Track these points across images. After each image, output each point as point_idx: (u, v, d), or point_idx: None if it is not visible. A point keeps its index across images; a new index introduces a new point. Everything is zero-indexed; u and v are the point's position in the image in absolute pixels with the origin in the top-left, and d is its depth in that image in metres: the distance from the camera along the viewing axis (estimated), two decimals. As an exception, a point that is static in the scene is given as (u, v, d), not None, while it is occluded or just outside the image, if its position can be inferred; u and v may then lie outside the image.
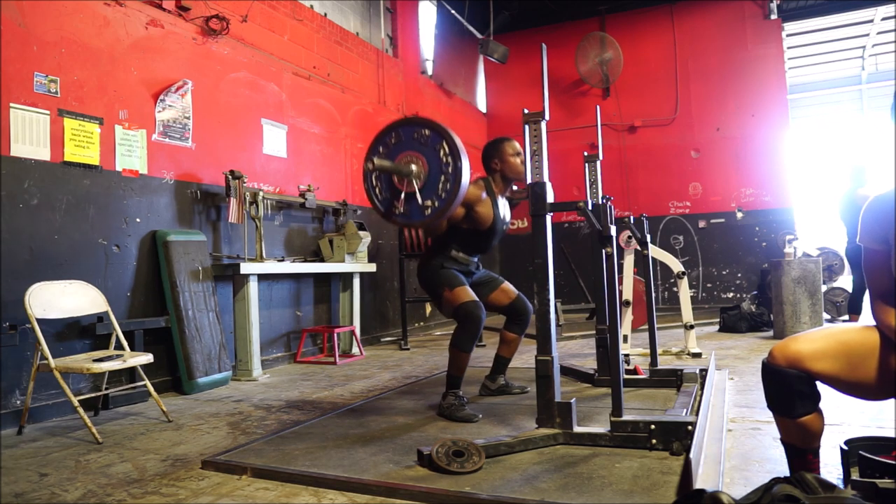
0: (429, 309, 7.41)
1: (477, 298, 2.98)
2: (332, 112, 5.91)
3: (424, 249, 3.15)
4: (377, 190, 2.68)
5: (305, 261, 5.16)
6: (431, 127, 2.53)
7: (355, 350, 5.41)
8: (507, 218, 3.25)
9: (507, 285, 3.32)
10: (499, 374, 3.37)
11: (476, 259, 3.20)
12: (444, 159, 2.49)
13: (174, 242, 3.96)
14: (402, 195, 2.55)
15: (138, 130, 3.89)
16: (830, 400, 1.81)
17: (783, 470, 1.87)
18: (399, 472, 2.09)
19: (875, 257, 1.57)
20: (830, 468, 1.97)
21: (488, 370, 3.47)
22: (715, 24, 8.82)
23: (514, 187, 3.35)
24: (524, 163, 2.96)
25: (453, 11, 8.56)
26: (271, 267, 4.52)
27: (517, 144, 3.16)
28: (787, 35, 9.23)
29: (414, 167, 2.53)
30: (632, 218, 3.75)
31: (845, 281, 7.21)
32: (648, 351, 3.73)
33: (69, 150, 3.45)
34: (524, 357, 4.75)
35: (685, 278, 4.76)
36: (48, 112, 3.36)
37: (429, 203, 2.52)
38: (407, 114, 7.35)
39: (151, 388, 3.18)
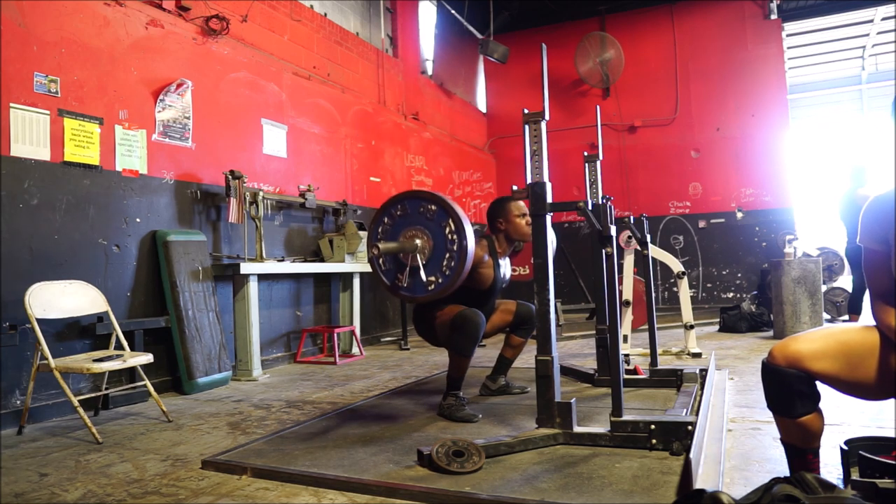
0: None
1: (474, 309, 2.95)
2: (332, 112, 5.91)
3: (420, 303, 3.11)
4: (381, 261, 2.67)
5: (305, 261, 5.16)
6: (438, 203, 2.53)
7: (355, 350, 5.41)
8: (508, 276, 3.27)
9: (504, 303, 3.32)
10: (500, 374, 3.37)
11: None
12: (450, 236, 2.49)
13: (174, 242, 3.96)
14: (407, 269, 2.55)
15: (138, 130, 3.89)
16: (830, 400, 1.81)
17: (783, 470, 1.87)
18: (399, 472, 2.09)
19: (875, 257, 1.57)
20: (830, 468, 1.97)
21: (489, 370, 3.47)
22: (715, 24, 8.82)
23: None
24: (530, 224, 2.95)
25: (453, 11, 8.56)
26: (271, 267, 4.52)
27: (523, 205, 3.13)
28: (787, 35, 9.23)
29: (418, 242, 2.53)
30: (632, 218, 3.75)
31: (845, 281, 7.20)
32: (648, 351, 3.73)
33: (69, 150, 3.45)
34: (524, 357, 4.75)
35: (685, 278, 4.76)
36: (48, 112, 3.36)
37: (432, 279, 2.51)
38: (407, 114, 7.36)
39: (151, 388, 3.18)
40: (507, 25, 9.58)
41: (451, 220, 2.49)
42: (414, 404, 3.19)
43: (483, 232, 3.26)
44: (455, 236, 2.49)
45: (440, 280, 2.50)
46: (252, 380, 4.24)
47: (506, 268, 3.23)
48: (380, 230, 2.66)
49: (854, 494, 1.29)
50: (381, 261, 2.66)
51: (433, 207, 2.53)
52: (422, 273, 2.51)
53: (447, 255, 2.50)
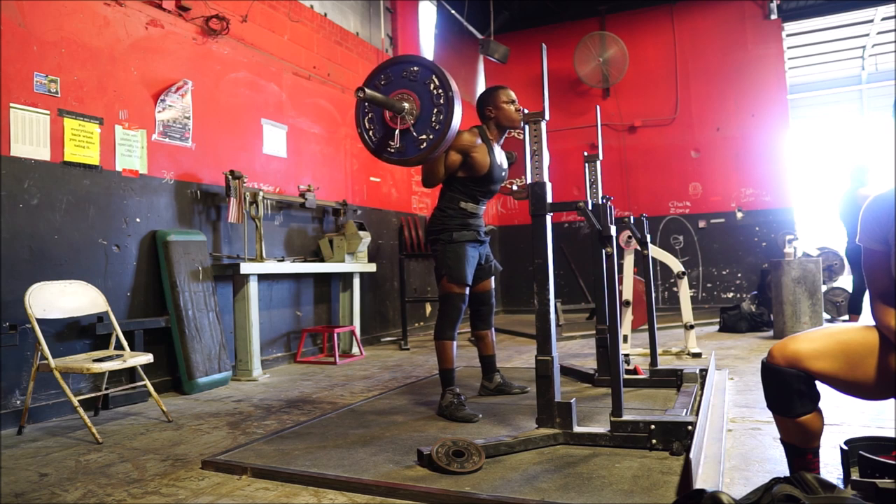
0: (429, 309, 7.41)
1: (465, 292, 3.00)
2: (332, 112, 5.91)
3: (433, 211, 3.14)
4: (370, 132, 2.69)
5: (305, 261, 5.16)
6: (420, 63, 2.55)
7: (355, 350, 5.41)
8: (504, 164, 3.24)
9: (491, 282, 3.34)
10: (492, 372, 3.38)
11: (483, 207, 3.17)
12: (436, 92, 2.51)
13: (174, 242, 3.96)
14: (397, 133, 2.56)
15: (138, 130, 3.89)
16: (830, 400, 1.81)
17: (783, 470, 1.87)
18: (399, 472, 2.09)
19: (875, 257, 1.58)
20: (830, 468, 1.97)
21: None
22: (715, 24, 8.82)
23: (513, 154, 3.35)
24: (519, 110, 2.97)
25: (453, 11, 8.56)
26: (271, 267, 4.52)
27: (511, 93, 3.15)
28: (787, 35, 9.23)
29: (406, 104, 2.55)
30: (632, 218, 3.75)
31: (845, 281, 7.20)
32: (648, 351, 3.73)
33: (69, 150, 3.45)
34: (524, 357, 4.75)
35: (685, 278, 4.76)
36: (48, 112, 3.36)
37: (423, 136, 2.53)
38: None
39: (151, 388, 3.18)
40: (507, 25, 9.58)
41: (434, 76, 2.52)
42: (414, 404, 3.19)
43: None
44: (441, 90, 2.50)
45: (432, 136, 2.52)
46: (252, 380, 4.24)
47: (501, 156, 3.20)
48: (367, 105, 2.68)
49: (854, 494, 1.29)
50: (370, 132, 2.70)
51: (415, 68, 2.56)
52: (412, 132, 2.52)
53: (435, 111, 2.52)
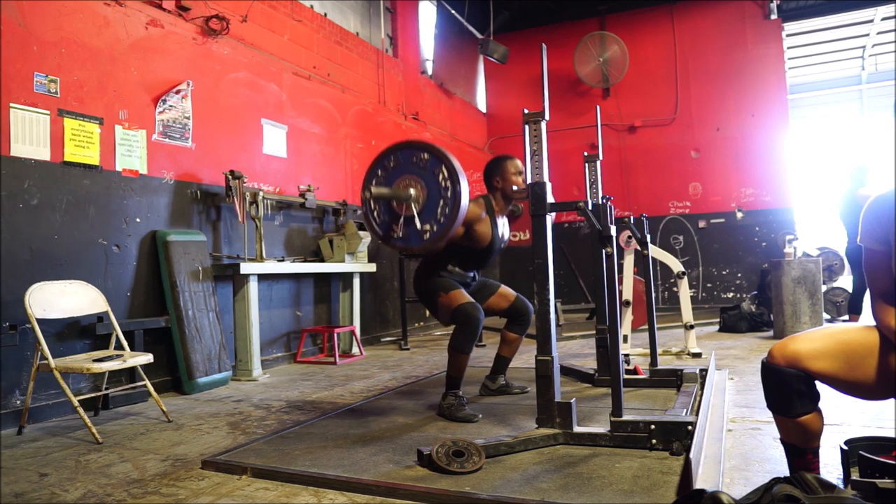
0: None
1: (473, 300, 2.97)
2: (332, 112, 5.91)
3: (421, 262, 3.13)
4: (375, 213, 2.67)
5: (305, 261, 5.16)
6: (430, 150, 2.52)
7: (355, 350, 5.41)
8: (506, 236, 3.25)
9: (505, 289, 3.32)
10: (499, 373, 3.37)
11: (472, 273, 3.20)
12: (443, 183, 2.49)
13: (174, 242, 3.96)
14: (401, 219, 2.55)
15: (138, 130, 3.89)
16: (830, 400, 1.81)
17: (783, 470, 1.87)
18: (399, 472, 2.09)
19: (875, 257, 1.57)
20: (830, 468, 1.97)
21: (488, 370, 3.47)
22: (715, 24, 8.82)
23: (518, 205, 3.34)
24: (526, 181, 2.96)
25: (453, 11, 8.56)
26: (271, 267, 4.52)
27: (519, 163, 3.12)
28: (787, 35, 9.23)
29: (412, 191, 2.53)
30: (632, 218, 3.75)
31: (845, 281, 7.20)
32: (648, 351, 3.73)
33: (69, 150, 3.45)
34: (524, 357, 4.75)
35: (685, 278, 4.75)
36: (48, 112, 3.36)
37: (427, 227, 2.51)
38: (407, 114, 7.35)
39: (151, 388, 3.18)
40: (507, 25, 9.58)
41: (443, 167, 2.49)
42: (414, 404, 3.19)
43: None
44: (448, 182, 2.49)
45: (435, 228, 2.50)
46: (252, 380, 4.24)
47: (504, 228, 3.20)
48: (373, 182, 2.66)
49: (854, 494, 1.29)
50: (374, 213, 2.67)
51: (425, 156, 2.53)
52: (416, 221, 2.51)
53: (441, 203, 2.50)
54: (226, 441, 2.68)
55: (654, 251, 4.64)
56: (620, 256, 4.70)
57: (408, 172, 2.57)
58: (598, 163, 3.54)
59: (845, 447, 1.74)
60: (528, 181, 2.44)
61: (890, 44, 10.14)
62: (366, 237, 5.36)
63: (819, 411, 1.60)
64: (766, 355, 1.65)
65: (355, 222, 5.36)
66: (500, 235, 3.14)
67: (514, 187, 3.11)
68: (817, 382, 1.59)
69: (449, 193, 2.47)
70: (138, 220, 3.87)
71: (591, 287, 7.30)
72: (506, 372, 3.41)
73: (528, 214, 2.44)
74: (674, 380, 3.34)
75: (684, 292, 4.79)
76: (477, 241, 3.02)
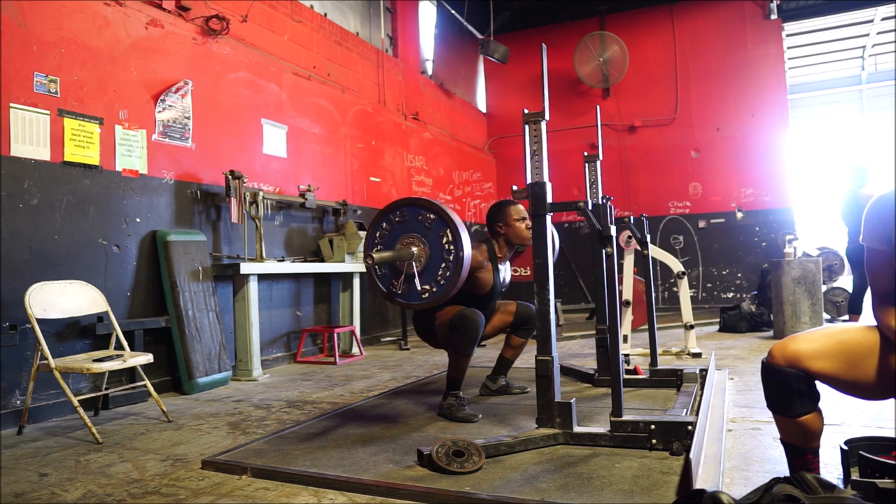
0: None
1: (471, 308, 2.94)
2: (332, 112, 5.91)
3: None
4: (377, 266, 2.67)
5: (305, 261, 5.16)
6: (436, 212, 2.53)
7: (355, 350, 5.41)
8: (507, 280, 3.26)
9: (503, 304, 3.31)
10: (500, 374, 3.37)
11: None
12: (447, 246, 2.49)
13: (174, 242, 3.96)
14: (402, 276, 2.55)
15: (138, 130, 3.89)
16: (830, 400, 1.81)
17: (783, 470, 1.87)
18: (399, 472, 2.09)
19: (877, 257, 1.57)
20: (830, 468, 1.97)
21: (489, 370, 3.47)
22: (715, 24, 8.82)
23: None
24: (530, 228, 2.95)
25: (453, 11, 8.56)
26: (271, 267, 4.52)
27: (522, 209, 3.12)
28: (787, 35, 9.23)
29: (415, 250, 2.54)
30: (632, 218, 3.75)
31: (845, 281, 7.20)
32: (648, 351, 3.73)
33: (69, 150, 3.45)
34: (524, 357, 4.75)
35: (685, 278, 4.76)
36: (48, 112, 3.36)
37: (427, 287, 2.51)
38: (407, 114, 7.36)
39: (151, 388, 3.18)
40: (507, 25, 9.58)
41: (448, 231, 2.50)
42: (414, 404, 3.19)
43: (484, 235, 3.24)
44: (452, 247, 2.49)
45: (435, 289, 2.51)
46: (252, 380, 4.24)
47: (506, 272, 3.22)
48: (377, 234, 2.67)
49: (854, 494, 1.29)
50: (377, 266, 2.67)
51: (431, 216, 2.54)
52: (416, 282, 2.52)
53: (443, 265, 2.50)
54: (226, 441, 2.68)
55: (654, 251, 4.64)
56: (620, 256, 4.71)
57: (412, 230, 2.58)
58: (598, 163, 3.54)
59: (845, 447, 1.74)
60: (529, 181, 2.44)
61: (890, 44, 10.14)
62: (366, 237, 5.35)
63: (819, 411, 1.60)
64: (766, 355, 1.65)
65: (355, 222, 5.36)
66: (502, 280, 3.16)
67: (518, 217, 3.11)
68: (817, 382, 1.59)
69: (451, 258, 2.48)
70: (138, 220, 3.87)
71: (591, 287, 7.30)
72: (507, 373, 3.41)
73: (531, 250, 2.44)
74: (674, 380, 3.34)
75: (684, 292, 4.79)
76: (478, 287, 3.03)
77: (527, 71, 9.42)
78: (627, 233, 4.46)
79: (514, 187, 3.37)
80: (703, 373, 3.29)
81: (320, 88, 5.75)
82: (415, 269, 2.52)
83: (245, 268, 4.21)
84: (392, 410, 3.06)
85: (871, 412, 2.72)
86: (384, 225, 2.66)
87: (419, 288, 2.52)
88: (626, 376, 3.36)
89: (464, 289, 2.98)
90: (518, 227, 3.11)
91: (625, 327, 4.80)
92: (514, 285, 3.71)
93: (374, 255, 2.49)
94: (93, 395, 3.22)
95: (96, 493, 2.08)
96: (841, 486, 1.40)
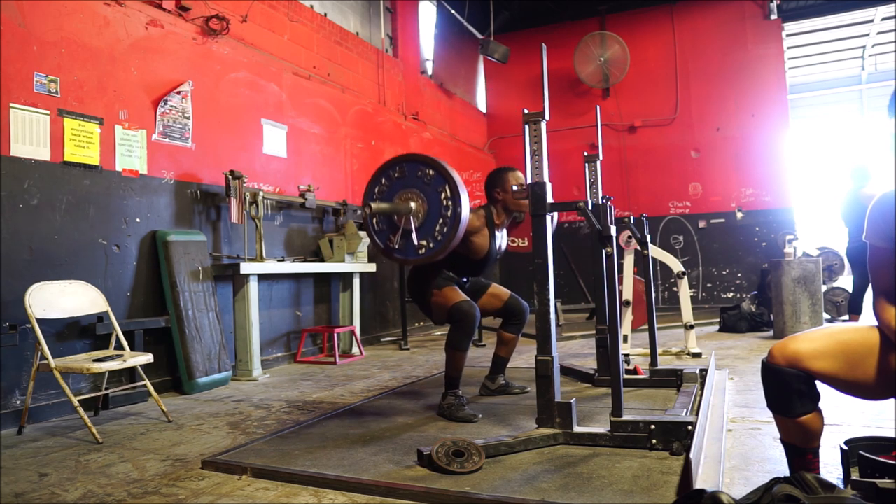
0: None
1: (468, 298, 2.97)
2: (332, 112, 5.91)
3: (414, 266, 3.12)
4: (375, 221, 2.68)
5: (305, 261, 5.16)
6: (436, 167, 2.53)
7: (355, 350, 5.41)
8: (503, 247, 3.25)
9: (497, 288, 3.31)
10: (498, 373, 3.37)
11: (465, 280, 3.19)
12: (445, 202, 2.49)
13: (174, 242, 3.96)
14: (399, 231, 2.55)
15: (138, 130, 3.89)
16: (830, 400, 1.81)
17: (783, 470, 1.87)
18: (399, 472, 2.09)
19: (880, 255, 1.57)
20: (830, 468, 1.97)
21: (488, 370, 3.47)
22: (715, 24, 8.82)
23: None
24: (528, 196, 2.96)
25: (453, 11, 8.56)
26: (271, 267, 4.52)
27: (520, 175, 3.11)
28: (787, 35, 9.23)
29: (413, 205, 2.54)
30: (632, 218, 3.75)
31: (845, 281, 7.20)
32: (648, 351, 3.73)
33: (69, 150, 3.45)
34: (524, 357, 4.75)
35: (685, 278, 4.75)
36: (48, 112, 3.36)
37: (424, 243, 2.51)
38: (407, 114, 7.36)
39: (151, 388, 3.18)
40: (507, 25, 9.58)
41: (447, 186, 2.50)
42: (414, 404, 3.19)
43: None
44: (450, 202, 2.49)
45: (431, 245, 2.51)
46: (252, 380, 4.24)
47: (502, 239, 3.20)
48: (376, 190, 2.67)
49: (854, 494, 1.29)
50: (374, 221, 2.67)
51: (431, 172, 2.54)
52: (413, 237, 2.51)
53: (440, 221, 2.50)
54: (226, 441, 2.68)
55: (654, 251, 4.64)
56: (620, 256, 4.70)
57: (411, 185, 2.57)
58: (598, 163, 3.54)
59: (845, 447, 1.74)
60: (529, 181, 2.44)
61: (890, 44, 10.14)
62: (365, 237, 5.36)
63: (819, 411, 1.60)
64: (766, 355, 1.65)
65: (355, 222, 5.36)
66: (498, 247, 3.15)
67: (516, 186, 3.09)
68: (817, 382, 1.59)
69: (449, 213, 2.47)
70: (138, 220, 3.87)
71: (591, 287, 7.30)
72: (505, 371, 3.41)
73: (529, 218, 2.44)
74: (674, 380, 3.34)
75: (684, 292, 4.79)
76: (474, 252, 3.03)
77: (527, 71, 9.41)
78: (627, 233, 4.46)
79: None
80: (703, 373, 3.29)
81: (320, 88, 5.75)
82: (412, 225, 2.52)
83: (245, 268, 4.21)
84: (392, 410, 3.06)
85: (871, 412, 2.72)
86: (383, 181, 2.65)
87: (416, 243, 2.52)
88: (626, 376, 3.36)
89: (459, 253, 3.00)
90: (516, 195, 3.10)
91: (625, 327, 4.80)
92: (511, 256, 3.71)
93: (373, 206, 2.49)
94: (93, 395, 3.22)
95: (96, 493, 2.08)
96: (841, 486, 1.40)
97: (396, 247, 2.58)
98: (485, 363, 4.17)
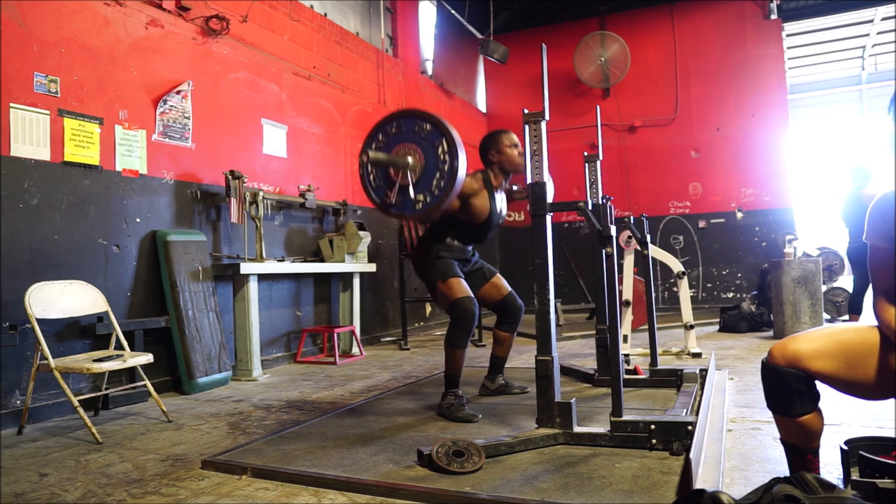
0: (429, 309, 7.41)
1: (471, 293, 2.98)
2: (332, 112, 5.91)
3: (420, 236, 3.12)
4: (371, 177, 2.69)
5: (305, 261, 5.16)
6: (433, 122, 2.54)
7: (355, 350, 5.41)
8: (504, 211, 3.23)
9: (500, 279, 3.31)
10: (497, 373, 3.37)
11: (471, 248, 3.19)
12: (442, 156, 2.50)
13: (174, 242, 3.96)
14: (396, 186, 2.56)
15: (138, 130, 3.89)
16: (830, 400, 1.81)
17: (783, 470, 1.87)
18: (399, 472, 2.09)
19: (880, 255, 1.57)
20: (830, 468, 1.97)
21: (487, 370, 3.47)
22: (715, 24, 8.82)
23: (515, 187, 3.34)
24: (522, 154, 2.97)
25: (453, 11, 8.56)
26: (271, 267, 4.52)
27: (514, 136, 3.13)
28: (787, 35, 9.23)
29: (410, 159, 2.55)
30: (632, 218, 3.75)
31: (845, 281, 7.20)
32: (648, 351, 3.72)
33: (69, 150, 3.45)
34: (524, 357, 4.75)
35: (685, 278, 4.75)
36: (48, 112, 3.36)
37: (420, 198, 2.52)
38: (407, 114, 7.34)
39: (151, 388, 3.18)
40: (507, 25, 9.58)
41: (444, 140, 2.51)
42: (414, 404, 3.19)
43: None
44: (447, 156, 2.50)
45: (428, 199, 2.52)
46: (252, 380, 4.24)
47: (501, 202, 3.19)
48: (372, 146, 2.67)
49: (854, 494, 1.29)
50: (371, 177, 2.68)
51: (428, 126, 2.55)
52: (411, 190, 2.52)
53: (437, 175, 2.51)
54: (226, 441, 2.68)
55: (654, 251, 4.64)
56: (620, 256, 4.70)
57: (408, 140, 2.59)
58: (598, 163, 3.54)
59: (845, 447, 1.74)
60: (529, 181, 2.44)
61: (890, 44, 10.13)
62: (366, 237, 5.36)
63: (819, 411, 1.60)
64: (766, 355, 1.65)
65: (355, 222, 5.36)
66: (498, 210, 3.13)
67: (512, 149, 3.10)
68: (817, 382, 1.59)
69: (447, 167, 2.49)
70: (138, 220, 3.87)
71: (591, 287, 7.30)
72: (503, 371, 3.41)
73: (528, 197, 2.45)
74: (674, 380, 3.34)
75: (684, 292, 4.79)
76: (474, 215, 3.02)
77: (527, 71, 9.41)
78: (627, 233, 4.46)
79: (515, 186, 3.38)
80: (703, 373, 3.29)
81: (320, 88, 5.75)
82: (409, 180, 2.53)
83: (245, 268, 4.21)
84: (392, 410, 3.06)
85: (871, 412, 2.72)
86: (380, 136, 2.66)
87: (413, 197, 2.53)
88: (626, 376, 3.36)
89: (462, 218, 3.01)
90: (510, 154, 3.11)
91: (625, 327, 4.79)
92: (509, 231, 3.71)
93: (370, 153, 2.50)
94: (93, 395, 3.22)
95: (96, 493, 2.08)
96: (841, 486, 1.40)
97: (393, 202, 2.59)
98: (484, 363, 4.17)
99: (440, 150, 2.50)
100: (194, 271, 4.04)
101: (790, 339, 1.62)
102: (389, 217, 2.75)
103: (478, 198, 3.01)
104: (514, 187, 3.50)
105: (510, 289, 3.31)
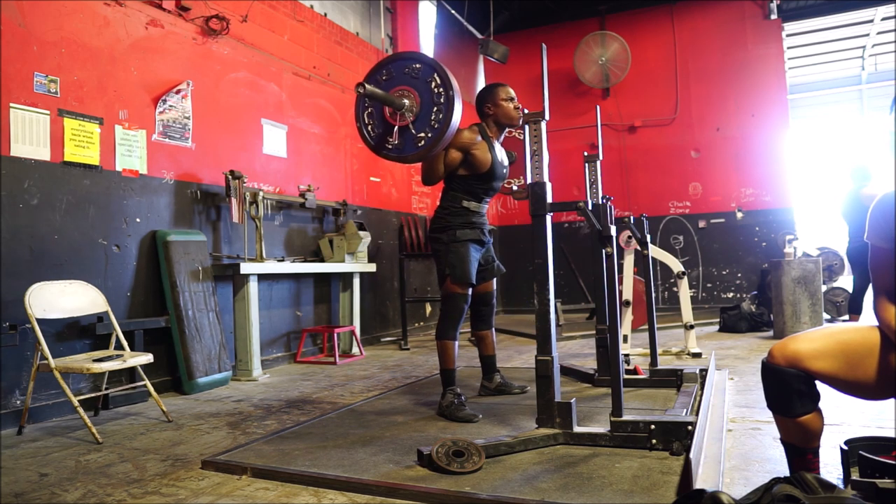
0: (429, 309, 7.41)
1: (469, 293, 2.99)
2: (332, 112, 5.91)
3: (436, 209, 3.13)
4: (369, 127, 2.71)
5: (305, 261, 5.16)
6: (422, 60, 2.57)
7: (355, 350, 5.41)
8: (506, 162, 3.23)
9: (493, 283, 3.33)
10: (492, 372, 3.37)
11: (486, 206, 3.16)
12: (436, 90, 2.54)
13: (174, 242, 3.96)
14: (396, 129, 2.58)
15: (138, 130, 3.89)
16: (830, 400, 1.81)
17: (783, 470, 1.87)
18: (399, 472, 2.09)
19: (881, 255, 1.57)
20: (830, 468, 1.97)
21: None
22: (715, 24, 8.82)
23: (515, 187, 3.34)
24: (518, 108, 2.98)
25: (453, 11, 8.56)
26: (271, 267, 4.52)
27: (510, 90, 3.15)
28: (787, 35, 9.23)
29: (406, 101, 2.57)
30: (632, 218, 3.75)
31: (845, 281, 7.20)
32: (648, 351, 3.73)
33: (69, 150, 3.45)
34: (524, 357, 4.75)
35: (685, 278, 4.75)
36: (48, 112, 3.36)
37: (422, 135, 2.55)
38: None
39: (151, 388, 3.18)
40: (507, 25, 9.58)
41: (436, 74, 2.54)
42: (414, 404, 3.19)
43: None
44: (441, 89, 2.54)
45: (430, 135, 2.55)
46: (252, 380, 4.24)
47: (501, 153, 3.19)
48: (367, 100, 2.70)
49: (854, 494, 1.29)
50: (368, 127, 2.72)
51: (417, 66, 2.58)
52: (411, 128, 2.55)
53: (435, 109, 2.55)
54: (226, 441, 2.68)
55: (654, 251, 4.64)
56: (620, 256, 4.70)
57: (401, 83, 2.62)
58: (598, 163, 3.54)
59: (845, 447, 1.74)
60: (529, 181, 2.44)
61: (890, 44, 10.14)
62: (366, 237, 5.36)
63: (819, 411, 1.60)
64: (766, 355, 1.65)
65: (355, 222, 5.36)
66: (500, 160, 3.14)
67: (511, 102, 3.12)
68: (817, 382, 1.59)
69: (442, 99, 2.52)
70: (138, 220, 3.87)
71: (591, 287, 7.29)
72: (498, 369, 3.41)
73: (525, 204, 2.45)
74: (674, 380, 3.34)
75: (684, 292, 4.79)
76: (477, 166, 3.02)
77: (527, 71, 9.40)
78: (627, 233, 4.46)
79: (515, 186, 3.38)
80: (703, 373, 3.29)
81: (320, 88, 5.75)
82: (408, 119, 2.56)
83: (245, 268, 4.21)
84: (392, 410, 3.06)
85: (871, 412, 2.72)
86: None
87: (415, 134, 2.56)
88: (626, 376, 3.36)
89: (466, 173, 3.02)
90: (506, 107, 3.11)
91: (625, 327, 4.79)
92: (510, 230, 3.69)
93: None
94: (93, 395, 3.22)
95: (96, 493, 2.08)
96: (841, 486, 1.40)
97: (395, 144, 2.62)
98: (485, 363, 4.17)
99: (433, 84, 2.54)
100: (194, 271, 4.04)
101: (790, 339, 1.62)
102: (387, 160, 2.74)
103: (477, 148, 3.02)
104: (515, 187, 3.50)
105: (495, 287, 3.34)
